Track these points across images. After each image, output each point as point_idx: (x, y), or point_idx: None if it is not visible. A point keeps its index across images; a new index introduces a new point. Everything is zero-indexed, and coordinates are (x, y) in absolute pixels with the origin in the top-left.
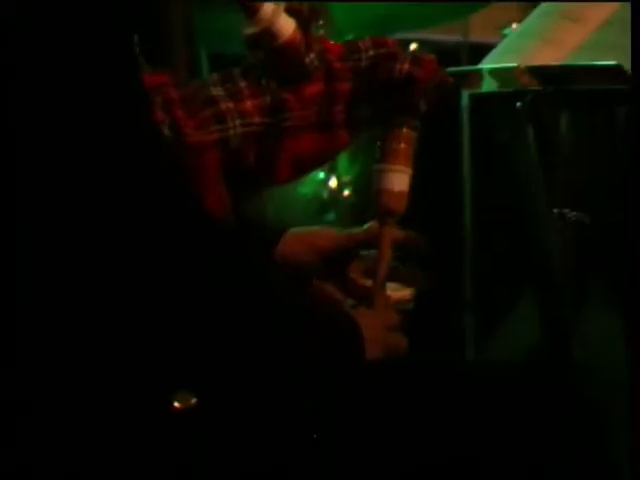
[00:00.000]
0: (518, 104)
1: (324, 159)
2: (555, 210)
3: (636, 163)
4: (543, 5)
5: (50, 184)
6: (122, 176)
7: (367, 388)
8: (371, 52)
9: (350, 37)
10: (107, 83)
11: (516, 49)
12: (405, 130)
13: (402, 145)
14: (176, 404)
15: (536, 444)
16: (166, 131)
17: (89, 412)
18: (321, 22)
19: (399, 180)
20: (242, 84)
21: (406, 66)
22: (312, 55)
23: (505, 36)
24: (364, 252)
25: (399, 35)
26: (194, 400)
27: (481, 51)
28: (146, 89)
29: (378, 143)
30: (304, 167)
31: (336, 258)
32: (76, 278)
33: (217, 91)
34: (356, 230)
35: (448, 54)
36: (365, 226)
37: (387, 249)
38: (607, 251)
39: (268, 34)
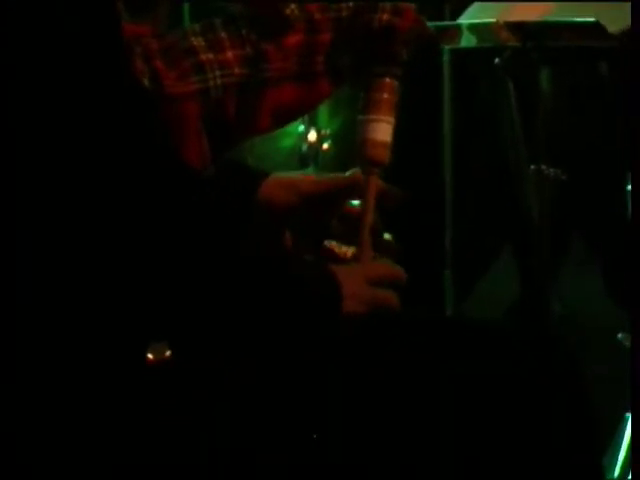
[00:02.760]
0: (497, 60)
1: (305, 109)
2: (532, 166)
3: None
4: None
5: (34, 130)
6: (100, 126)
7: (344, 344)
8: (351, 2)
9: None
10: (86, 33)
11: (495, 4)
12: (387, 80)
13: (385, 95)
14: (150, 356)
15: (516, 401)
16: (146, 82)
17: (64, 364)
18: None
19: (383, 130)
20: (223, 35)
21: (386, 16)
22: (292, 6)
23: None
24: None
25: None
26: (168, 352)
27: (462, 6)
28: (126, 39)
29: (361, 93)
30: (285, 117)
31: (319, 204)
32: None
33: (197, 41)
34: (339, 175)
35: (429, 8)
36: (348, 173)
37: (372, 199)
38: (584, 207)
39: None
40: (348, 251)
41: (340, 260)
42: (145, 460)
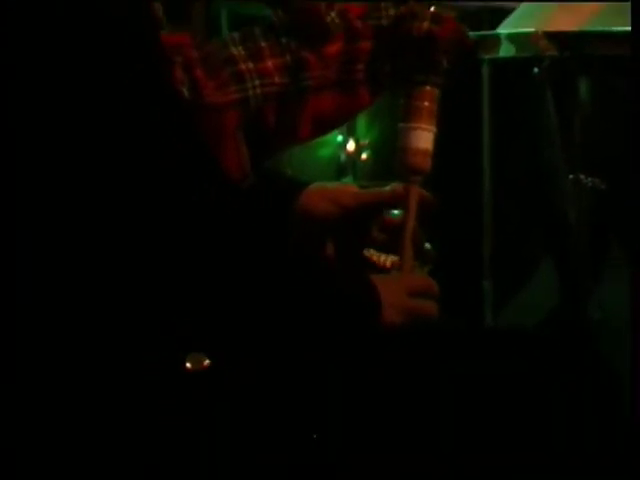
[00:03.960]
0: (535, 69)
1: (345, 118)
2: (571, 175)
3: None
4: None
5: (68, 143)
6: (140, 136)
7: (383, 353)
8: (391, 10)
9: None
10: (126, 42)
11: (534, 14)
12: (428, 88)
13: (425, 103)
14: (188, 365)
15: (557, 408)
16: (186, 91)
17: (101, 375)
18: None
19: (424, 138)
20: (262, 43)
21: (426, 24)
22: (332, 14)
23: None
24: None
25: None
26: (206, 362)
27: (502, 16)
28: (166, 49)
29: (402, 101)
30: (325, 126)
31: (359, 216)
32: (92, 233)
33: (237, 51)
34: (381, 189)
35: (469, 18)
36: (388, 187)
37: (414, 208)
38: (622, 216)
39: None
40: (387, 260)
41: (379, 269)
42: (150, 460)
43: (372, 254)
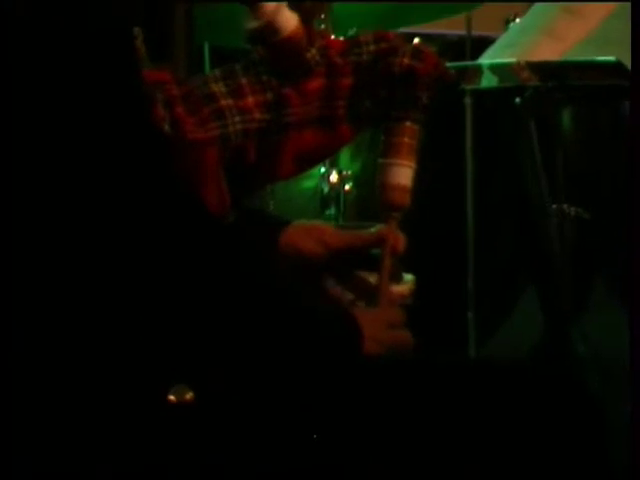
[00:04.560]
0: (517, 100)
1: (326, 154)
2: (554, 206)
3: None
4: None
5: (48, 182)
6: (121, 173)
7: (367, 386)
8: (372, 46)
9: (351, 33)
10: (107, 79)
11: (516, 43)
12: (408, 124)
13: (405, 139)
14: (172, 398)
15: (539, 441)
16: (166, 128)
17: (86, 404)
18: (322, 17)
19: (403, 174)
20: (243, 80)
21: (406, 60)
22: (313, 50)
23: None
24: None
25: (401, 30)
26: (190, 394)
27: (484, 45)
28: (147, 85)
29: (382, 137)
30: (306, 162)
31: (342, 255)
32: (78, 273)
33: (218, 87)
34: (366, 232)
35: (451, 48)
36: (373, 229)
37: (390, 243)
38: (607, 247)
39: (270, 29)
40: (370, 277)
41: (364, 286)
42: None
43: (364, 275)
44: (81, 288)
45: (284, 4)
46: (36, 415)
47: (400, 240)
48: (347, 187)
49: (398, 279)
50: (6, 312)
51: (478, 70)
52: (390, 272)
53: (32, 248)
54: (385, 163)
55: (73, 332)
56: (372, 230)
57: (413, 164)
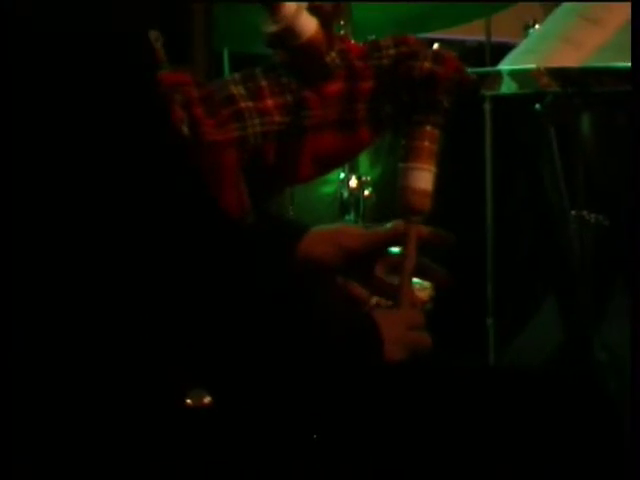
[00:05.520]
0: (537, 106)
1: (345, 158)
2: (574, 212)
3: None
4: (563, 6)
5: (66, 184)
6: (139, 174)
7: (387, 393)
8: (392, 50)
9: (372, 37)
10: (124, 81)
11: (536, 50)
12: (429, 128)
13: (426, 143)
14: (189, 402)
15: (559, 447)
16: (185, 129)
17: (101, 410)
18: (342, 22)
19: (423, 178)
20: (263, 83)
21: (427, 64)
22: (333, 54)
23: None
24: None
25: (421, 36)
26: (208, 399)
27: (504, 51)
28: (166, 87)
29: (402, 141)
30: (325, 165)
31: (361, 256)
32: (96, 275)
33: (237, 90)
34: (381, 228)
35: (471, 54)
36: (389, 224)
37: (412, 248)
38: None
39: (290, 33)
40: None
41: (386, 289)
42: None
43: (380, 275)
44: (98, 290)
45: (303, 7)
46: (52, 418)
47: (429, 234)
48: (366, 192)
49: (432, 274)
50: (25, 312)
51: (498, 76)
52: (412, 273)
53: (47, 251)
54: (406, 167)
55: (90, 335)
56: (388, 226)
57: (434, 168)
